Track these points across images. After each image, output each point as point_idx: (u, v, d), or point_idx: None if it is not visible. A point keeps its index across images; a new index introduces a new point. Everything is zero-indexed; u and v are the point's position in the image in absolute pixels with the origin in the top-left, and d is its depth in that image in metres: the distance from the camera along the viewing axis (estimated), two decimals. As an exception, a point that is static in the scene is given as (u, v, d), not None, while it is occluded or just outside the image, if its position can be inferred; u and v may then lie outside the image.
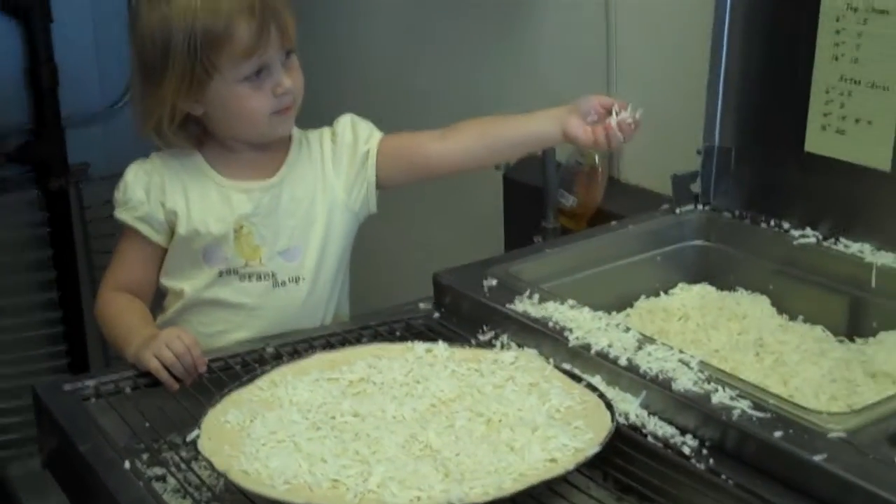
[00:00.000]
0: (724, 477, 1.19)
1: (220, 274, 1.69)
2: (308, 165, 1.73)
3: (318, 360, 1.47)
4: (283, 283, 1.70)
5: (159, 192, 1.69)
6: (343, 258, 1.77)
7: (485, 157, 1.75)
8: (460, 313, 1.61)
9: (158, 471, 1.39)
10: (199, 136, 1.71)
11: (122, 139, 3.21)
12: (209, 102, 1.64)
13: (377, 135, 1.75)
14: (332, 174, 1.73)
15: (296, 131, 1.75)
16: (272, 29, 1.59)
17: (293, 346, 1.57)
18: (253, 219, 1.69)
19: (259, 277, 1.70)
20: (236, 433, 1.30)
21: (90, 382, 1.51)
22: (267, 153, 1.71)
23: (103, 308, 1.72)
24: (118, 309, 1.69)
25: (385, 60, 2.78)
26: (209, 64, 1.59)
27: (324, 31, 2.98)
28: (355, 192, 1.73)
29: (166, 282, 1.73)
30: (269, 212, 1.69)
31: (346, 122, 1.76)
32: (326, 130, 1.77)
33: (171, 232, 1.70)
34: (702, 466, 1.22)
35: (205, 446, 1.26)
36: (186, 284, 1.71)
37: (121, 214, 1.72)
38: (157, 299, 1.76)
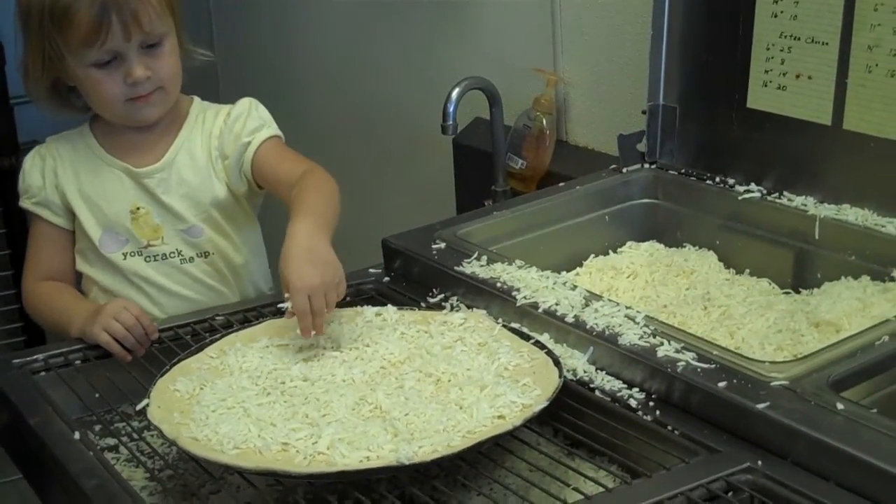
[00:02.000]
0: (670, 428, 1.21)
1: (125, 257, 1.69)
2: (199, 143, 1.71)
3: (268, 327, 1.47)
4: (191, 259, 1.70)
5: (53, 175, 1.70)
6: (251, 225, 1.76)
7: None
8: (410, 277, 1.62)
9: (110, 441, 1.40)
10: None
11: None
12: (72, 79, 1.63)
13: (264, 133, 1.70)
14: (217, 155, 1.71)
15: (197, 106, 1.74)
16: (114, 21, 1.55)
17: (243, 315, 1.58)
18: (147, 199, 1.68)
19: (164, 256, 1.70)
20: (186, 401, 1.30)
21: (39, 356, 1.50)
22: (153, 134, 1.70)
23: (31, 298, 1.71)
24: (47, 294, 1.69)
25: (335, 27, 2.78)
26: (56, 43, 1.58)
27: (280, 6, 2.97)
28: (234, 176, 1.71)
29: (80, 266, 1.73)
30: (162, 193, 1.69)
31: (243, 105, 1.73)
32: (225, 108, 1.74)
33: (73, 215, 1.70)
34: (649, 418, 1.23)
35: (154, 414, 1.26)
36: (95, 271, 1.70)
37: (24, 203, 1.72)
38: (77, 284, 1.76)
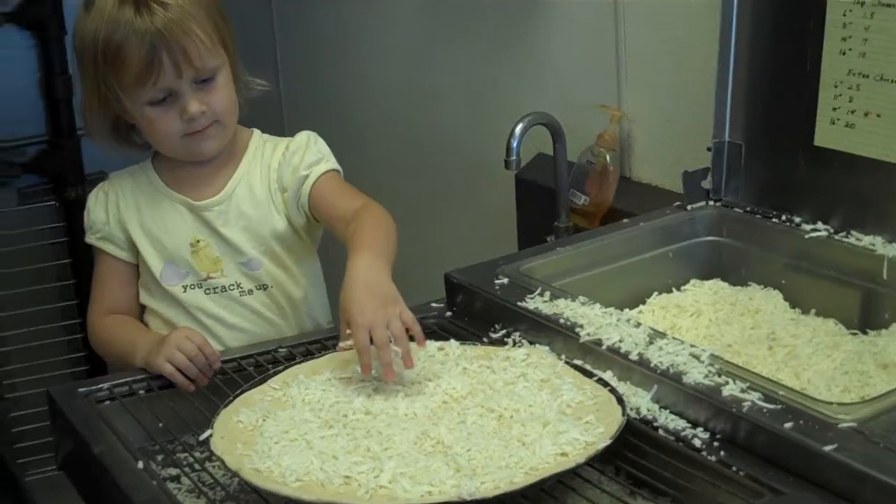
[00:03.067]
0: (735, 469, 1.19)
1: (185, 290, 1.70)
2: (258, 175, 1.73)
3: (331, 360, 1.47)
4: (251, 291, 1.71)
5: (115, 209, 1.72)
6: (311, 258, 1.77)
7: None
8: (472, 312, 1.62)
9: (173, 471, 1.41)
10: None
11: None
12: (130, 117, 1.65)
13: (322, 167, 1.71)
14: (276, 187, 1.72)
15: (256, 139, 1.76)
16: (164, 59, 1.57)
17: (305, 347, 1.58)
18: (207, 232, 1.69)
19: (224, 288, 1.71)
20: (248, 432, 1.30)
21: (104, 385, 1.52)
22: (212, 167, 1.71)
23: (96, 333, 1.74)
24: (111, 328, 1.71)
25: (398, 59, 2.79)
26: (111, 83, 1.60)
27: (336, 29, 2.99)
28: (292, 209, 1.72)
29: (142, 299, 1.74)
30: (221, 226, 1.70)
31: (302, 138, 1.74)
32: (284, 141, 1.76)
33: (136, 249, 1.72)
34: (713, 459, 1.22)
35: (217, 445, 1.27)
36: (156, 303, 1.72)
37: (89, 238, 1.75)
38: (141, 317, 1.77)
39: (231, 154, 1.73)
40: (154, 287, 1.72)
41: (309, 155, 1.71)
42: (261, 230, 1.71)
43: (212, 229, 1.70)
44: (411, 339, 1.42)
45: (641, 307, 1.72)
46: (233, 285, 1.71)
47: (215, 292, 1.70)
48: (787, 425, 1.19)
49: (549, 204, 2.12)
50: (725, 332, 1.62)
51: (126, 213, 1.71)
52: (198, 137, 1.65)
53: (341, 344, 1.44)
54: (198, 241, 1.70)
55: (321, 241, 1.80)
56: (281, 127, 1.80)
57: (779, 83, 1.75)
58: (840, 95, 1.65)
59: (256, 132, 1.77)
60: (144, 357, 1.55)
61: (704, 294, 1.72)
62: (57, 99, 3.12)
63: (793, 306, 1.67)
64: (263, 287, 1.72)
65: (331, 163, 1.72)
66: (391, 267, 1.50)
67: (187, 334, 1.54)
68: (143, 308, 1.75)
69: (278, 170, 1.72)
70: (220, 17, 1.64)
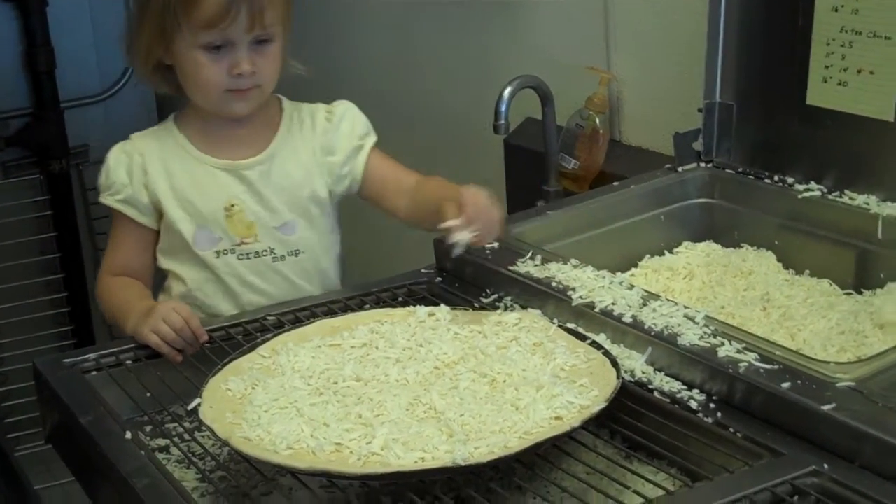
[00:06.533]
0: (732, 430, 1.18)
1: (218, 255, 1.68)
2: (300, 139, 1.71)
3: (320, 327, 1.45)
4: (283, 258, 1.69)
5: (141, 173, 1.68)
6: (336, 227, 1.76)
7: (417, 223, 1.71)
8: (462, 277, 1.60)
9: (161, 441, 1.39)
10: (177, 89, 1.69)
11: (121, 120, 3.20)
12: (174, 57, 1.64)
13: (371, 138, 1.74)
14: (321, 152, 1.71)
15: (288, 105, 1.74)
16: (243, 10, 1.57)
17: (294, 314, 1.56)
18: (243, 196, 1.67)
19: (257, 254, 1.68)
20: (238, 401, 1.28)
21: (91, 356, 1.49)
22: (249, 128, 1.69)
23: (101, 290, 1.71)
24: (115, 288, 1.69)
25: (382, 25, 2.76)
26: (176, 18, 1.58)
27: (328, 6, 2.96)
28: (336, 175, 1.72)
29: (165, 264, 1.72)
30: (262, 186, 1.68)
31: (346, 108, 1.75)
32: (321, 106, 1.75)
33: (159, 213, 1.69)
34: (710, 420, 1.21)
35: (206, 414, 1.25)
36: (184, 269, 1.69)
37: (105, 199, 1.71)
38: (159, 280, 1.75)
39: (268, 117, 1.71)
40: (184, 252, 1.69)
41: (359, 125, 1.74)
42: (301, 192, 1.70)
43: (251, 189, 1.68)
44: None
45: (634, 270, 1.70)
46: (266, 251, 1.69)
47: (248, 258, 1.68)
48: (785, 385, 1.17)
49: (539, 168, 2.10)
50: (719, 293, 1.60)
51: (155, 177, 1.68)
52: (238, 96, 1.63)
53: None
54: (232, 206, 1.67)
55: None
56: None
57: (770, 42, 1.74)
58: (832, 53, 1.63)
59: (283, 98, 1.76)
60: (133, 325, 1.53)
61: (697, 256, 1.71)
62: (40, 71, 3.09)
63: (786, 267, 1.66)
64: (295, 253, 1.70)
65: (374, 134, 1.75)
66: None
67: (174, 306, 1.52)
68: (162, 274, 1.73)
69: (325, 134, 1.72)
70: None
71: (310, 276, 1.72)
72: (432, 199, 1.58)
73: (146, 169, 1.68)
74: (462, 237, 1.45)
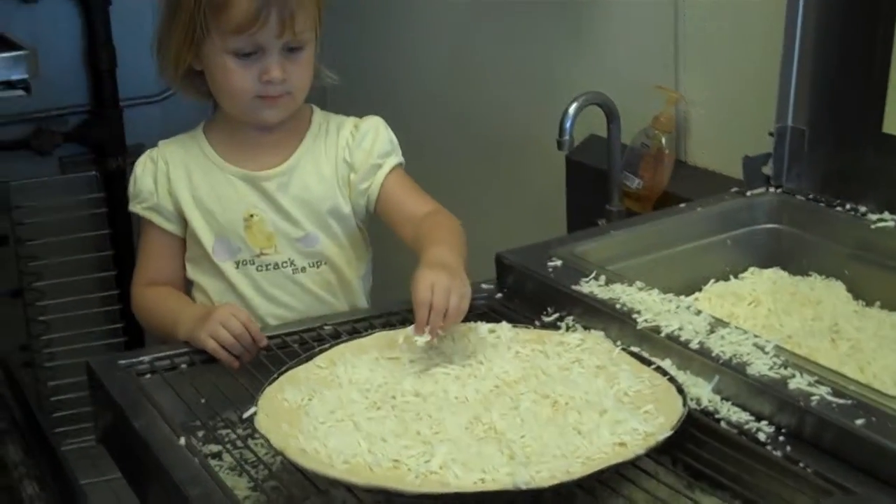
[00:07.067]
0: (802, 465, 1.14)
1: (237, 266, 1.66)
2: (323, 152, 1.69)
3: (378, 339, 1.43)
4: (304, 269, 1.67)
5: (166, 180, 1.67)
6: (364, 244, 1.74)
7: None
8: (524, 294, 1.57)
9: (214, 448, 1.37)
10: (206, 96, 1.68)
11: (178, 120, 3.18)
12: (204, 62, 1.62)
13: (393, 159, 1.70)
14: (344, 167, 1.69)
15: (318, 115, 1.73)
16: (272, 15, 1.55)
17: (352, 325, 1.54)
18: (263, 204, 1.65)
19: (276, 265, 1.67)
20: (294, 411, 1.26)
21: (145, 358, 1.48)
22: (273, 137, 1.67)
23: (139, 302, 1.70)
24: (155, 298, 1.67)
25: (445, 36, 2.74)
26: (206, 23, 1.57)
27: (381, 5, 2.95)
28: (356, 191, 1.70)
29: (191, 274, 1.70)
30: (281, 197, 1.66)
31: (373, 124, 1.72)
32: (351, 120, 1.73)
33: (185, 221, 1.68)
34: (779, 454, 1.17)
35: (262, 423, 1.23)
36: (206, 279, 1.68)
37: (133, 207, 1.71)
38: (187, 291, 1.74)
39: (295, 126, 1.69)
40: (204, 262, 1.68)
41: (380, 142, 1.70)
42: (321, 206, 1.68)
43: (270, 201, 1.66)
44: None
45: (697, 294, 1.66)
46: (286, 262, 1.67)
47: (268, 269, 1.66)
48: (859, 422, 1.13)
49: (600, 186, 2.07)
50: (785, 322, 1.56)
51: (177, 183, 1.67)
52: (268, 103, 1.62)
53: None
54: (251, 216, 1.65)
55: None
56: (323, 107, 1.77)
57: (846, 67, 1.69)
58: (912, 80, 1.59)
59: (316, 108, 1.73)
60: (188, 331, 1.51)
61: (763, 283, 1.67)
62: (101, 69, 3.11)
63: (856, 298, 1.61)
64: (317, 264, 1.68)
65: (399, 156, 1.71)
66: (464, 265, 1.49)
67: (233, 311, 1.50)
68: (189, 283, 1.71)
69: (347, 148, 1.69)
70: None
71: (333, 289, 1.70)
72: (421, 245, 1.53)
73: (170, 176, 1.67)
74: (421, 340, 1.37)
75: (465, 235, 1.62)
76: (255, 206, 1.66)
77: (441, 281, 1.37)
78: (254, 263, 1.67)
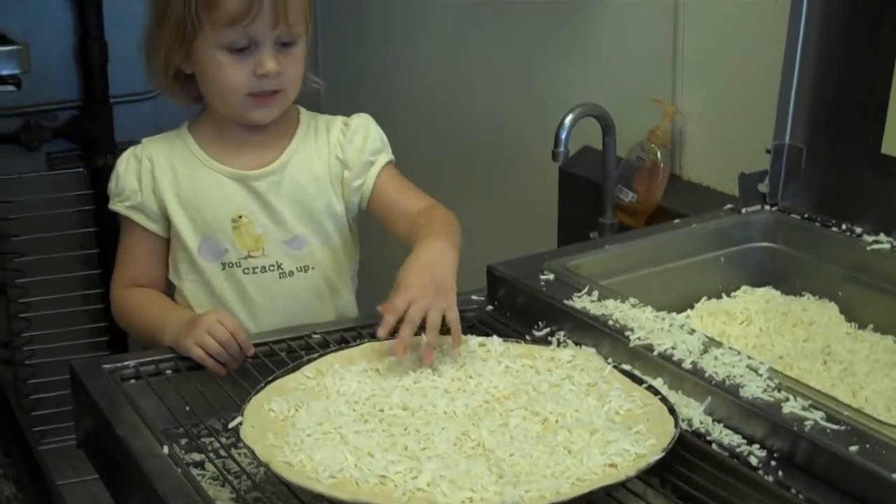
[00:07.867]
0: (794, 491, 1.13)
1: (224, 267, 1.64)
2: (315, 150, 1.67)
3: (367, 350, 1.41)
4: (291, 273, 1.65)
5: (150, 178, 1.64)
6: (353, 246, 1.72)
7: None
8: (515, 307, 1.55)
9: (196, 456, 1.35)
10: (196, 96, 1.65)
11: (169, 118, 3.17)
12: (195, 62, 1.59)
13: (384, 157, 1.68)
14: (336, 165, 1.67)
15: (305, 115, 1.70)
16: (266, 5, 1.53)
17: (340, 334, 1.52)
18: (253, 205, 1.63)
19: (263, 269, 1.64)
20: (280, 422, 1.24)
21: (130, 363, 1.46)
22: (263, 137, 1.65)
23: (120, 304, 1.66)
24: (138, 301, 1.64)
25: (439, 46, 2.73)
26: (197, 18, 1.54)
27: (376, 14, 2.93)
28: (349, 189, 1.67)
29: (172, 276, 1.67)
30: (273, 198, 1.64)
31: (362, 121, 1.69)
32: (339, 119, 1.70)
33: (168, 222, 1.65)
34: (770, 479, 1.15)
35: (247, 434, 1.21)
36: (188, 281, 1.65)
37: (115, 205, 1.67)
38: (169, 295, 1.70)
39: (284, 126, 1.66)
40: (187, 264, 1.64)
41: (372, 139, 1.68)
42: (314, 205, 1.65)
43: (260, 201, 1.63)
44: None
45: (689, 312, 1.65)
46: (273, 266, 1.64)
47: (254, 272, 1.63)
48: (853, 448, 1.12)
49: (593, 198, 2.05)
50: (777, 342, 1.55)
51: (162, 182, 1.64)
52: (260, 102, 1.59)
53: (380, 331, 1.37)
54: (240, 217, 1.63)
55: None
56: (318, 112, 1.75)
57: (846, 85, 1.68)
58: (912, 102, 1.58)
59: (302, 108, 1.71)
60: (173, 337, 1.49)
61: (756, 302, 1.65)
62: (92, 65, 3.08)
63: (849, 320, 1.60)
64: (305, 269, 1.65)
65: (390, 153, 1.70)
66: (457, 263, 1.47)
67: (219, 317, 1.48)
68: (171, 285, 1.68)
69: (339, 145, 1.67)
70: None
71: (321, 295, 1.68)
72: (416, 236, 1.52)
73: (155, 175, 1.64)
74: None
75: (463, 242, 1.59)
76: (244, 208, 1.63)
77: (423, 296, 1.37)
78: (240, 266, 1.64)
